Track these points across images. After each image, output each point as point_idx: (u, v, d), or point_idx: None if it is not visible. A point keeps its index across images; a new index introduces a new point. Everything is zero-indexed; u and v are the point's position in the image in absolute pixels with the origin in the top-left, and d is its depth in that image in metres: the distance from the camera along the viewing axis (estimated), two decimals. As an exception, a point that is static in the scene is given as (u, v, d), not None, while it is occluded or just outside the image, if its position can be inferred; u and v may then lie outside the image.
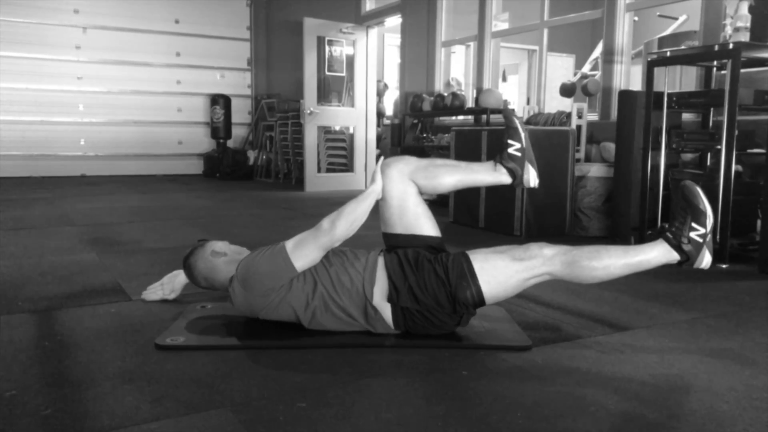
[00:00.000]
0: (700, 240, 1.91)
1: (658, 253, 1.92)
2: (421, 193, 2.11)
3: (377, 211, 2.09)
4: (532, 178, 2.10)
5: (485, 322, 2.17)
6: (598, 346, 2.02)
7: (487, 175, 2.11)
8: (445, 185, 2.11)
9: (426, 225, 2.09)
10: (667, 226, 1.97)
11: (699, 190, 1.93)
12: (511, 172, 2.08)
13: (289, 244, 1.94)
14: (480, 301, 1.92)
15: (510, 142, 2.09)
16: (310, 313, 1.96)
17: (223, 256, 2.11)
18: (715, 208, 3.32)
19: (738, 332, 2.19)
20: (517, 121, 2.11)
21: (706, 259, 1.93)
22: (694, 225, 1.91)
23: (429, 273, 1.92)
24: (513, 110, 2.10)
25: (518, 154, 2.09)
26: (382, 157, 2.18)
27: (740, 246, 3.43)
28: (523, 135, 2.10)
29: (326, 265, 1.99)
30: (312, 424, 1.44)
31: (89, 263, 3.19)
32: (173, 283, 2.45)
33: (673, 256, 1.92)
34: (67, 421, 1.44)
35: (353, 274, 1.96)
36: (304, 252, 1.92)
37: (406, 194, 2.06)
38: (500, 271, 1.90)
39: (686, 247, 1.91)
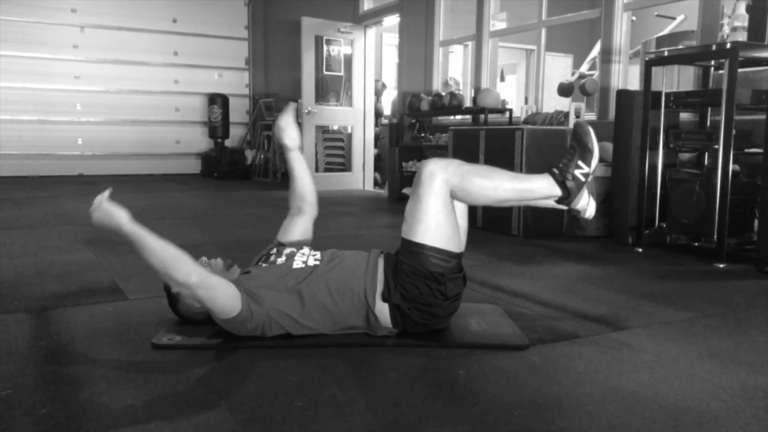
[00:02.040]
0: (583, 179, 1.92)
1: (542, 185, 1.93)
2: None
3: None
4: (590, 207, 2.01)
5: (482, 322, 2.17)
6: (595, 345, 2.02)
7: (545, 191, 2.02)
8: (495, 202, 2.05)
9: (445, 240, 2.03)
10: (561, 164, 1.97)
11: (590, 129, 1.93)
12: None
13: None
14: (446, 254, 1.90)
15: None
16: (307, 322, 1.94)
17: (200, 306, 1.93)
18: (712, 208, 3.34)
19: (735, 331, 2.19)
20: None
21: (583, 199, 1.95)
22: (580, 163, 1.92)
23: (400, 271, 1.93)
24: (592, 130, 1.99)
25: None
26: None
27: (737, 245, 3.43)
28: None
29: (327, 274, 1.96)
30: (308, 423, 1.43)
31: (86, 262, 3.18)
32: (295, 136, 2.30)
33: (556, 191, 1.93)
34: (63, 420, 1.43)
35: (354, 283, 1.94)
36: (215, 294, 1.83)
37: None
38: (425, 218, 1.89)
39: (569, 184, 1.92)
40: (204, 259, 2.07)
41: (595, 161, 1.93)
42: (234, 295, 1.85)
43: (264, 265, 2.04)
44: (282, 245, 2.22)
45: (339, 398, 1.57)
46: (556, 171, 1.94)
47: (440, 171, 1.88)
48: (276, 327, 1.92)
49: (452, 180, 1.88)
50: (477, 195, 1.92)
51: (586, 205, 1.97)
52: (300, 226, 2.33)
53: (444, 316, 1.99)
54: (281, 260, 2.03)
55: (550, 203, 2.02)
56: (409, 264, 1.91)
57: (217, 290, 1.82)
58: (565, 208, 2.02)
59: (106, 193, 1.89)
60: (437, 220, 1.89)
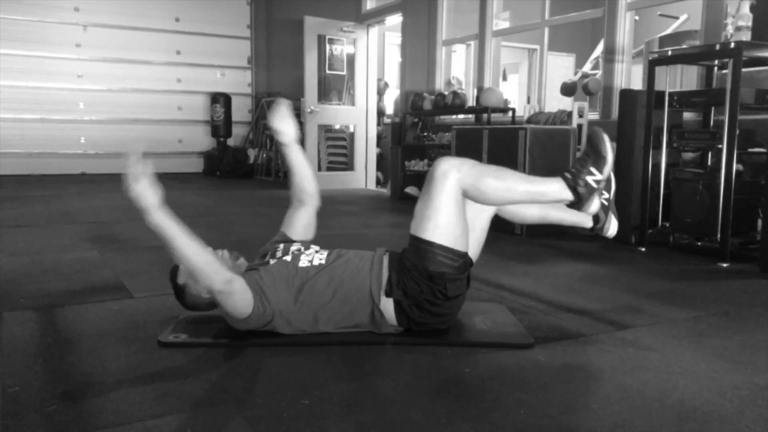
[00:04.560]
0: (595, 185, 1.92)
1: (554, 189, 1.93)
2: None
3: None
4: (612, 226, 2.08)
5: (487, 321, 2.17)
6: (600, 344, 2.02)
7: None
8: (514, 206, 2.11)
9: (474, 246, 2.05)
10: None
11: (605, 136, 1.93)
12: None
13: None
14: (454, 253, 1.90)
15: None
16: (316, 325, 1.95)
17: (209, 295, 1.92)
18: (715, 207, 3.34)
19: (740, 331, 2.19)
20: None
21: (594, 205, 1.95)
22: (592, 169, 1.92)
23: (403, 268, 1.94)
24: (607, 137, 1.98)
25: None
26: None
27: (741, 245, 3.43)
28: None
29: (332, 272, 1.96)
30: (316, 420, 1.44)
31: (91, 261, 3.19)
32: (291, 129, 2.24)
33: (567, 195, 1.93)
34: (71, 417, 1.44)
35: (362, 280, 1.95)
36: (237, 296, 1.84)
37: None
38: (436, 216, 1.89)
39: (581, 189, 1.92)
40: (209, 250, 2.07)
41: (608, 169, 1.93)
42: (249, 299, 1.87)
43: (272, 261, 2.04)
44: (288, 241, 2.23)
45: (345, 396, 1.58)
46: (568, 175, 1.94)
47: (454, 170, 1.88)
48: (282, 325, 1.93)
49: (465, 180, 1.88)
50: (490, 195, 1.92)
51: (598, 208, 1.97)
52: (303, 217, 2.33)
53: (446, 314, 1.99)
54: (287, 258, 2.04)
55: (572, 219, 2.04)
56: (413, 262, 1.92)
57: (236, 296, 1.84)
58: (589, 225, 2.06)
59: (146, 168, 1.71)
60: (447, 218, 1.90)
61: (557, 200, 1.96)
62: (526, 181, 1.95)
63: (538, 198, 1.97)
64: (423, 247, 1.91)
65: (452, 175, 1.88)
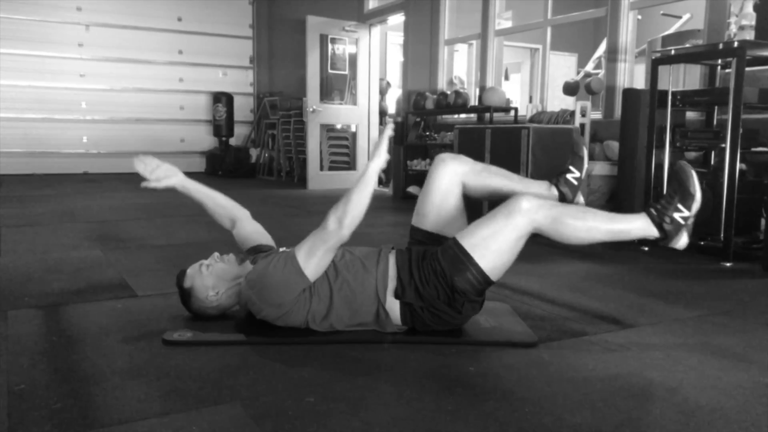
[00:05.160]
0: (682, 222, 1.91)
1: (639, 225, 1.93)
2: (464, 194, 2.12)
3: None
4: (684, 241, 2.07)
5: (491, 319, 2.17)
6: (603, 343, 2.02)
7: (540, 193, 2.10)
8: (494, 189, 2.11)
9: (456, 230, 2.05)
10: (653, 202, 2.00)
11: (693, 173, 1.93)
12: (563, 196, 2.12)
13: (301, 253, 1.87)
14: (484, 279, 1.89)
15: (571, 168, 2.14)
16: (323, 322, 1.95)
17: (216, 298, 2.03)
18: (718, 207, 3.34)
19: (743, 330, 2.19)
20: (585, 152, 2.15)
21: (682, 241, 1.94)
22: (679, 206, 1.91)
23: (428, 268, 1.92)
24: (584, 139, 2.15)
25: (575, 182, 2.13)
26: (389, 125, 2.10)
27: (744, 244, 3.43)
28: (585, 167, 2.14)
29: (338, 271, 1.96)
30: (321, 418, 1.44)
31: (94, 260, 3.19)
32: (164, 179, 2.30)
33: (653, 232, 1.92)
34: (76, 415, 1.44)
35: (366, 278, 1.95)
36: (315, 260, 1.86)
37: (451, 194, 2.08)
38: (491, 241, 1.87)
39: (667, 227, 1.91)
40: (216, 254, 2.08)
41: (696, 206, 1.91)
42: (317, 272, 1.89)
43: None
44: (267, 249, 2.24)
45: (350, 394, 1.58)
46: (653, 212, 1.93)
47: (532, 212, 1.86)
48: (296, 316, 1.93)
49: (542, 222, 1.87)
50: (568, 235, 1.90)
51: (686, 244, 1.95)
52: (248, 229, 2.37)
53: (452, 323, 1.99)
54: None
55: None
56: (442, 266, 1.90)
57: (323, 257, 1.88)
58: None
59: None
60: (500, 248, 1.87)
61: (642, 237, 1.94)
62: (608, 220, 1.93)
63: (622, 237, 1.94)
64: (461, 258, 1.88)
65: (529, 216, 1.86)
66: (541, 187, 2.13)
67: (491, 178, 2.10)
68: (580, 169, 2.13)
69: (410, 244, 2.10)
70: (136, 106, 9.25)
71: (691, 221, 1.92)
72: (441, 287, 1.90)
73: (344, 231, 1.83)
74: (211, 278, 2.02)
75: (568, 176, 2.13)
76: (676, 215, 1.90)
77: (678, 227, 1.91)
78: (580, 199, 2.17)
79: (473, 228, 1.92)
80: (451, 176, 2.07)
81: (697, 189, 1.91)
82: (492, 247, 1.87)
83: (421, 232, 2.10)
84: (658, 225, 1.91)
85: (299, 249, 1.89)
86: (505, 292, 2.66)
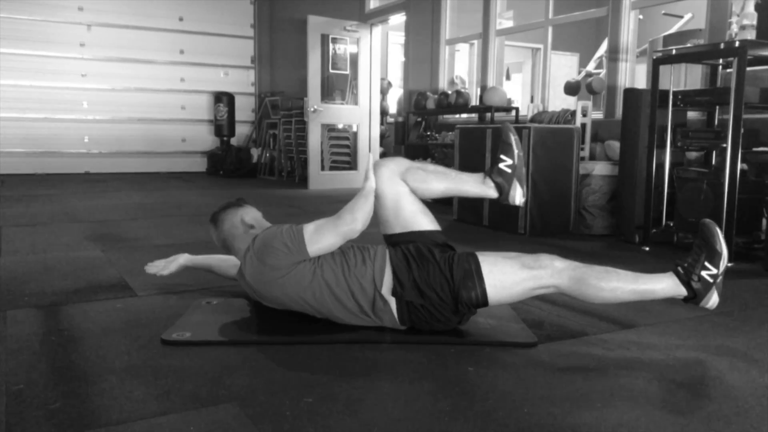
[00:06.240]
0: (711, 280, 1.89)
1: (666, 285, 1.92)
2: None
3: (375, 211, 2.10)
4: (518, 195, 2.11)
5: (490, 319, 2.17)
6: (603, 343, 2.02)
7: (475, 186, 2.13)
8: (434, 191, 2.12)
9: (423, 221, 2.10)
10: (679, 260, 1.96)
11: (718, 230, 1.91)
12: (499, 187, 2.10)
13: (309, 228, 1.98)
14: (483, 302, 1.92)
15: (502, 157, 2.11)
16: (317, 294, 1.96)
17: (250, 228, 2.16)
18: (719, 207, 3.33)
19: (744, 330, 2.19)
20: (512, 138, 2.12)
21: (713, 300, 1.91)
22: (707, 264, 1.89)
23: (433, 268, 1.93)
24: (511, 126, 2.14)
25: (508, 170, 2.10)
26: (371, 155, 2.24)
27: (745, 245, 3.42)
28: (516, 152, 2.11)
29: (338, 254, 2.01)
30: (319, 419, 1.44)
31: (94, 259, 3.19)
32: (172, 262, 2.49)
33: (681, 291, 1.91)
34: (74, 415, 1.44)
35: (364, 264, 1.98)
36: (321, 238, 1.96)
37: (399, 194, 2.08)
38: (508, 277, 1.90)
39: (695, 285, 1.89)
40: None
41: (723, 263, 1.89)
42: (323, 249, 1.98)
43: None
44: None
45: (348, 394, 1.58)
46: (681, 270, 1.92)
47: (556, 275, 1.89)
48: (292, 289, 1.97)
49: (564, 283, 1.90)
50: (591, 296, 1.91)
51: (716, 303, 1.93)
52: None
53: (450, 325, 1.99)
54: None
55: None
56: (453, 273, 1.91)
57: (329, 237, 1.98)
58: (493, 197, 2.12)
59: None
60: (512, 292, 1.92)
61: (670, 297, 1.93)
62: (633, 280, 1.93)
63: (647, 296, 1.94)
64: (473, 275, 1.90)
65: (552, 278, 1.89)
66: (476, 179, 2.13)
67: (428, 176, 2.10)
68: (511, 157, 2.10)
69: (392, 245, 2.10)
70: (138, 105, 9.26)
71: (720, 280, 1.90)
72: (445, 290, 1.91)
73: (357, 224, 1.96)
74: (247, 215, 2.21)
75: (501, 165, 2.10)
76: (704, 273, 1.89)
77: (707, 286, 1.89)
78: (518, 187, 2.11)
79: (500, 257, 1.96)
80: (391, 176, 2.08)
81: (724, 246, 1.89)
82: (507, 283, 1.90)
83: (394, 236, 2.11)
84: (686, 283, 1.90)
85: (308, 225, 2.00)
86: (505, 292, 2.65)
